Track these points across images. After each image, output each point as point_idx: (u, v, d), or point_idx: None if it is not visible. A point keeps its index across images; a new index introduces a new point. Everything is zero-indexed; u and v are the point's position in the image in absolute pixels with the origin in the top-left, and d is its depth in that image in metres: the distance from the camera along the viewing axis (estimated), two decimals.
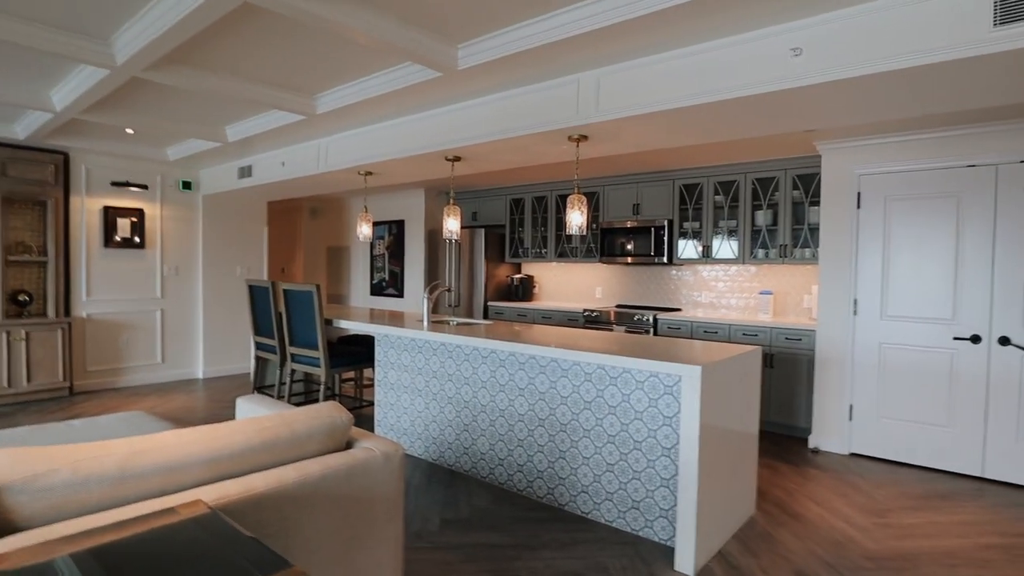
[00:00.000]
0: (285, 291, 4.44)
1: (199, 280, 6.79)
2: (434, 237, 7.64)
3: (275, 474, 1.38)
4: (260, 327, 5.02)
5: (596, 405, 3.04)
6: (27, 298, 5.56)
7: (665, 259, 5.63)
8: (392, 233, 8.04)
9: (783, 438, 4.62)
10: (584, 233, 3.73)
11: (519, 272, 7.35)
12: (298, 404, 5.27)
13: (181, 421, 4.90)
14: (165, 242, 6.52)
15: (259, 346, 5.11)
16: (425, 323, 4.22)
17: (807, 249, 4.87)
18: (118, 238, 6.13)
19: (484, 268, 6.91)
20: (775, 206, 5.05)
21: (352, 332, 4.97)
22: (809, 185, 4.84)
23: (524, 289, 7.07)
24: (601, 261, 6.14)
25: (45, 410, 5.19)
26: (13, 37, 2.97)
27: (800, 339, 4.56)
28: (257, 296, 4.96)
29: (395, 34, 2.82)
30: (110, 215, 6.06)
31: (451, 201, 4.56)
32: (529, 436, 3.36)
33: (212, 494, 1.26)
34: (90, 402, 5.54)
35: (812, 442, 4.40)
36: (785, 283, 5.25)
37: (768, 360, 4.68)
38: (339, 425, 1.59)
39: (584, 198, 3.66)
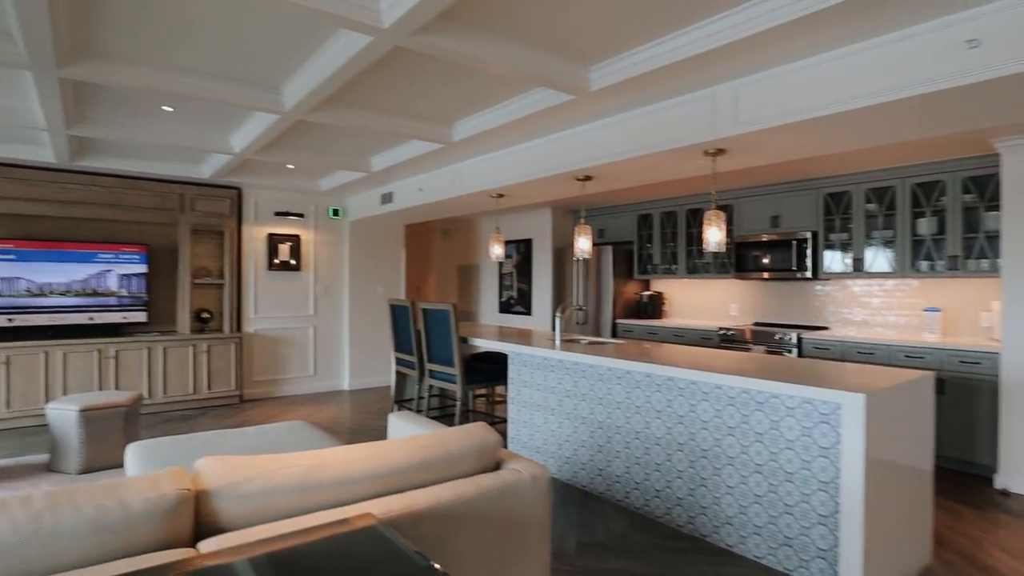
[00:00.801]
0: (423, 310, 4.69)
1: (345, 299, 7.39)
2: (561, 255, 7.70)
3: (433, 492, 1.46)
4: (400, 343, 5.34)
5: (741, 432, 2.87)
6: (208, 315, 6.39)
7: (808, 273, 5.21)
8: (520, 252, 8.22)
9: (961, 476, 4.05)
10: (722, 249, 3.56)
11: (648, 289, 7.17)
12: (435, 418, 5.51)
13: (333, 430, 5.33)
14: (317, 264, 7.18)
15: (399, 361, 5.43)
16: (557, 342, 4.25)
17: (984, 260, 4.27)
18: (278, 261, 6.86)
19: (612, 285, 6.84)
20: (941, 213, 4.50)
21: (484, 349, 5.12)
22: (984, 188, 4.25)
23: (653, 306, 6.89)
24: (736, 277, 5.83)
25: (221, 415, 5.89)
26: (204, 93, 3.45)
27: (979, 363, 3.99)
28: (397, 314, 5.28)
29: (528, 62, 2.90)
30: (273, 241, 6.81)
31: (582, 220, 4.58)
32: (667, 461, 3.24)
33: (379, 508, 1.35)
34: (256, 409, 6.20)
35: (999, 482, 3.81)
36: (956, 298, 4.63)
37: (939, 386, 4.14)
38: (489, 446, 1.64)
39: (722, 213, 3.50)
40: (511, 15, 2.55)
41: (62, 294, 5.56)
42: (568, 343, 4.28)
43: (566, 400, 3.90)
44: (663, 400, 3.25)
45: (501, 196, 5.43)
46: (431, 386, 4.91)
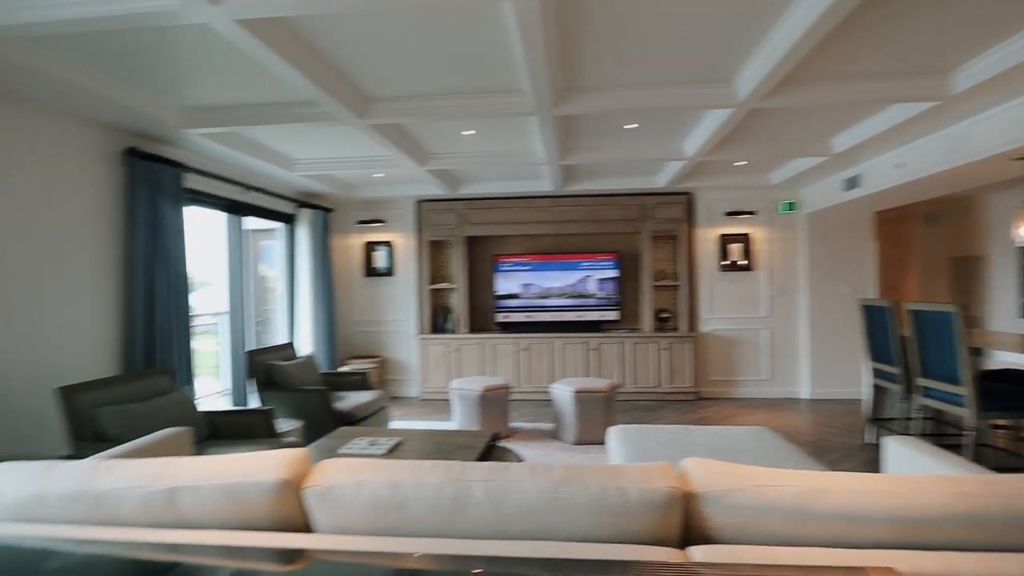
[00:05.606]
0: (912, 312, 3.82)
1: (802, 299, 6.76)
2: None
3: (986, 561, 1.05)
4: (877, 351, 4.51)
5: None
6: (667, 315, 6.83)
7: None
8: None
9: None
10: None
11: None
12: None
13: (793, 441, 4.91)
14: (770, 263, 6.80)
15: (876, 372, 4.59)
16: None
17: None
18: (729, 262, 6.78)
19: None
20: None
21: (1009, 366, 3.83)
22: None
23: None
24: None
25: (680, 410, 6.18)
26: (664, 102, 3.64)
27: None
28: (873, 317, 4.48)
29: None
30: (724, 242, 6.79)
31: None
32: None
33: (904, 563, 1.05)
34: (711, 408, 6.26)
35: None
36: None
37: None
38: None
39: None
40: None
41: (558, 296, 6.88)
42: None
43: None
44: None
45: None
46: (923, 406, 3.95)
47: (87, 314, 3.67)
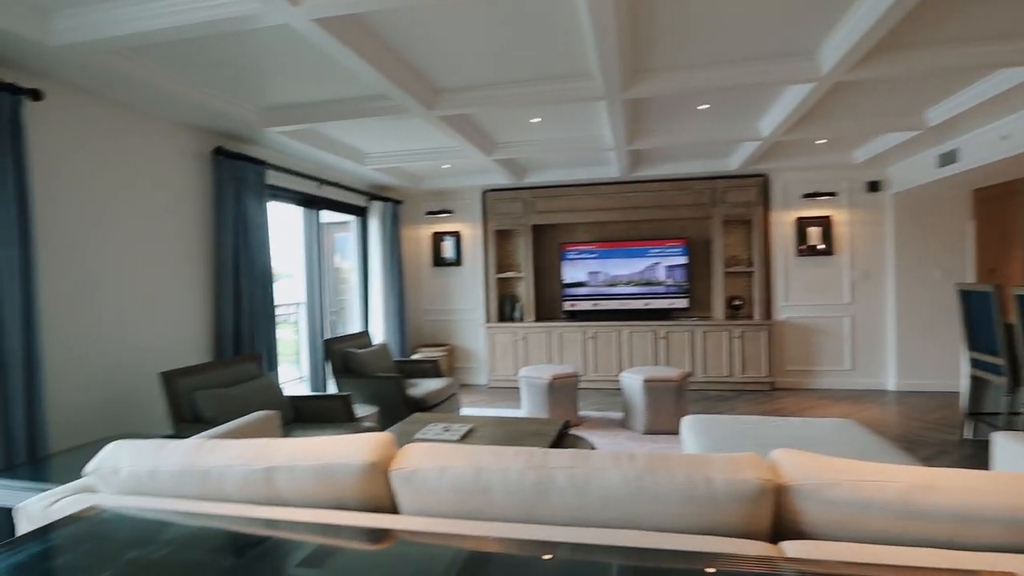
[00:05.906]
0: (1019, 298, 3.51)
1: (889, 285, 6.35)
2: None
3: None
4: (977, 341, 4.18)
5: None
6: (739, 303, 6.59)
7: None
8: None
9: None
10: None
11: None
12: None
13: (882, 435, 4.64)
14: (852, 247, 6.42)
15: (975, 363, 4.26)
16: None
17: None
18: (807, 246, 6.45)
19: None
20: None
21: None
22: None
23: None
24: None
25: (754, 400, 5.97)
26: (740, 80, 3.48)
27: None
28: (972, 303, 4.15)
29: None
30: (801, 225, 6.46)
31: None
32: None
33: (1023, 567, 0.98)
34: (788, 399, 6.01)
35: None
36: None
37: None
38: None
39: None
40: None
41: (626, 284, 6.78)
42: None
43: None
44: None
45: None
46: None
47: (184, 304, 3.94)
